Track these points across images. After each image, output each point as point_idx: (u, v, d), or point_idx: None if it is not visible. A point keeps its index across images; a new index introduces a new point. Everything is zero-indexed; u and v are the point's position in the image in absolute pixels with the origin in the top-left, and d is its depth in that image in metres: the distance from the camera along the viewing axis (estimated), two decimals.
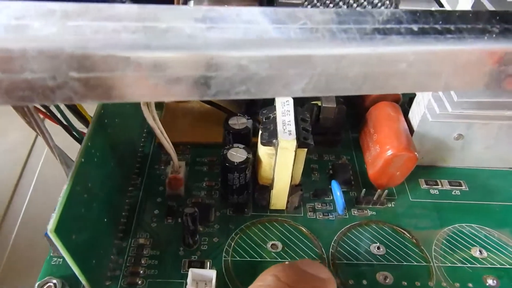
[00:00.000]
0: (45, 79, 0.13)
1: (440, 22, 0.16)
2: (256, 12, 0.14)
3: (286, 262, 0.18)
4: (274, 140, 0.23)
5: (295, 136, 0.23)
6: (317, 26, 0.15)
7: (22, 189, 0.33)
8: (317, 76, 0.15)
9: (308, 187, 0.28)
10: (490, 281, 0.24)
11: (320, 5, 0.21)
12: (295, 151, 0.23)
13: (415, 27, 0.15)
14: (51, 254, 0.23)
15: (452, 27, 0.16)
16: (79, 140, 0.26)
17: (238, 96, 0.15)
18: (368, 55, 0.15)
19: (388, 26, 0.15)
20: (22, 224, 0.30)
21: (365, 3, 0.19)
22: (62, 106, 0.25)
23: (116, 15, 0.13)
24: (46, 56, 0.12)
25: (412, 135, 0.28)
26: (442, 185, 0.29)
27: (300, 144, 0.23)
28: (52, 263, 0.23)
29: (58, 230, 0.16)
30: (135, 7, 0.14)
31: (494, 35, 0.16)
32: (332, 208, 0.27)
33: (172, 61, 0.13)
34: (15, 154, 0.35)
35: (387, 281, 0.23)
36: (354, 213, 0.27)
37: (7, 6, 0.13)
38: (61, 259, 0.23)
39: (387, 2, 0.19)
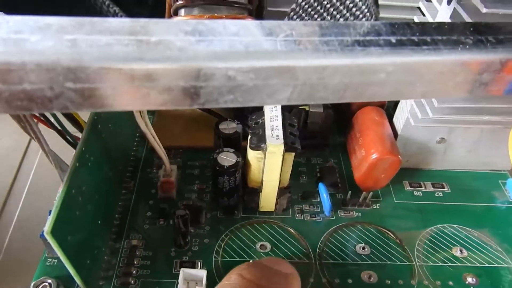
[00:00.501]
0: (43, 90, 0.13)
1: (417, 34, 0.17)
2: (242, 25, 0.15)
3: (250, 261, 0.19)
4: (263, 145, 0.24)
5: (282, 141, 0.23)
6: (300, 38, 0.15)
7: (16, 193, 0.33)
8: (300, 86, 0.16)
9: (296, 189, 0.29)
10: (469, 279, 0.25)
11: (306, 15, 0.22)
12: (283, 155, 0.24)
13: (393, 39, 0.16)
14: (46, 255, 0.24)
15: (428, 38, 0.17)
16: (72, 144, 0.26)
17: (226, 105, 0.15)
18: (348, 66, 0.15)
19: (368, 38, 0.16)
20: (16, 227, 0.31)
21: (348, 14, 0.20)
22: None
23: (110, 28, 0.14)
24: (43, 68, 0.13)
25: (396, 139, 0.29)
26: (425, 187, 0.30)
27: (288, 148, 0.24)
28: (47, 264, 0.23)
29: (54, 232, 0.17)
30: (127, 20, 0.15)
31: (467, 46, 0.17)
32: (319, 210, 0.28)
33: (164, 72, 0.14)
34: (8, 160, 0.36)
35: (371, 280, 0.24)
36: (340, 215, 0.28)
37: (6, 20, 0.13)
38: (56, 260, 0.24)
39: (368, 14, 0.20)
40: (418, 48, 0.16)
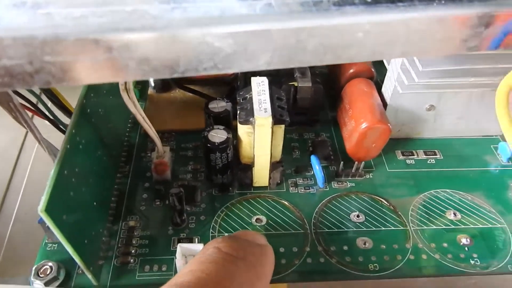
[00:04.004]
0: (23, 65, 0.14)
1: None
2: None
3: (226, 235, 0.19)
4: (251, 118, 0.24)
5: (270, 113, 0.24)
6: (274, 2, 0.16)
7: (15, 187, 0.34)
8: (278, 50, 0.16)
9: (290, 164, 0.29)
10: (464, 240, 0.25)
11: None
12: (272, 128, 0.24)
13: None
14: (46, 241, 0.24)
15: None
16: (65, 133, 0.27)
17: (206, 72, 0.16)
18: (324, 26, 0.16)
19: None
20: (17, 220, 0.31)
21: None
22: (50, 105, 0.26)
23: (83, 1, 0.14)
24: (20, 42, 0.13)
25: (386, 109, 0.29)
26: (417, 155, 0.30)
27: (276, 120, 0.24)
28: (48, 249, 0.24)
29: (48, 209, 0.17)
30: None
31: (443, 2, 0.17)
32: (313, 182, 0.28)
33: (140, 42, 0.14)
34: (5, 155, 0.36)
35: (366, 246, 0.24)
36: (334, 186, 0.28)
37: None
38: (56, 245, 0.24)
39: None
40: (393, 6, 0.16)
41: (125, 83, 0.22)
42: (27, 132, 0.38)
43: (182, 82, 0.33)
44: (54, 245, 0.24)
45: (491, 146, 0.31)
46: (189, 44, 0.15)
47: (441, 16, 0.17)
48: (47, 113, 0.26)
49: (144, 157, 0.30)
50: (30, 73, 0.14)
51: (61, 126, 0.26)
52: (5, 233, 0.30)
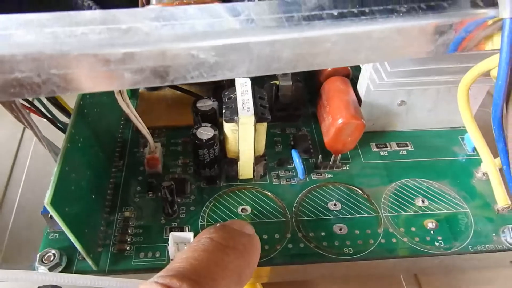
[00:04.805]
0: (32, 77, 0.16)
1: (357, 6, 0.19)
2: (199, 8, 0.18)
3: (218, 224, 0.22)
4: (235, 117, 0.26)
5: (253, 112, 0.26)
6: (252, 17, 0.18)
7: (15, 180, 0.35)
8: (256, 60, 0.18)
9: (273, 157, 0.31)
10: (430, 225, 0.27)
11: None
12: (255, 125, 0.26)
13: (335, 12, 0.19)
14: (48, 230, 0.26)
15: (366, 9, 0.19)
16: (63, 131, 0.28)
17: (193, 80, 0.18)
18: (296, 39, 0.18)
19: (313, 13, 0.18)
20: (18, 211, 0.33)
21: None
22: (46, 102, 0.28)
23: (84, 20, 0.16)
24: (30, 58, 0.15)
25: (360, 104, 0.31)
26: (391, 147, 0.33)
27: (259, 119, 0.26)
28: (50, 238, 0.26)
29: (53, 203, 0.19)
30: (98, 12, 0.17)
31: (401, 14, 0.19)
32: (294, 174, 0.30)
33: (134, 55, 0.16)
34: (4, 149, 0.38)
35: (341, 231, 0.27)
36: (313, 177, 0.30)
37: None
38: (57, 234, 0.26)
39: None
40: (357, 19, 0.18)
41: None
42: (24, 128, 0.40)
43: None
44: (55, 234, 0.26)
45: (458, 136, 0.34)
46: (177, 56, 0.17)
47: (399, 27, 0.19)
48: (45, 112, 0.28)
49: (137, 152, 0.32)
50: (38, 83, 0.16)
51: (58, 124, 0.28)
52: (8, 223, 0.32)
